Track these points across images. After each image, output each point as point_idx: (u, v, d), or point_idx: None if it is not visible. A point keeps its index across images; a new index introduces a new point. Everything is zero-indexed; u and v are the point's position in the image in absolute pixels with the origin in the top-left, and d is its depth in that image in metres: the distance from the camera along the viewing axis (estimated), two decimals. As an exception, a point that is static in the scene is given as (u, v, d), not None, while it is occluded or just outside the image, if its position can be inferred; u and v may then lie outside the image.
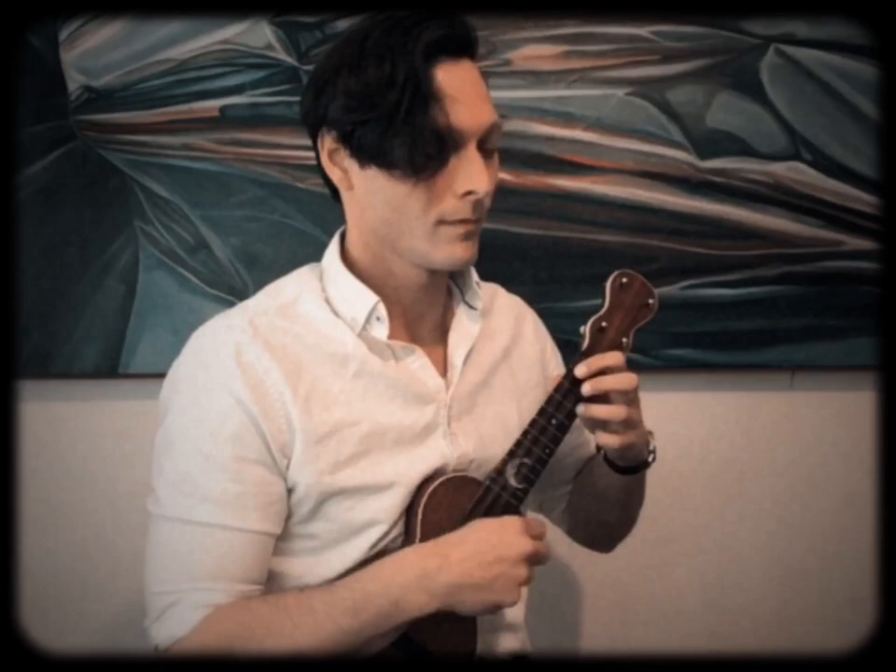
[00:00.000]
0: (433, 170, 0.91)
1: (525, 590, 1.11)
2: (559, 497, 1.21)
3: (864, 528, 1.52)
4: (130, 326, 1.39)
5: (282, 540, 0.97)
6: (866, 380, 1.48)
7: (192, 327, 0.99)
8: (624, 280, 1.02)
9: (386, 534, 0.98)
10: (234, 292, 1.39)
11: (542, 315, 1.21)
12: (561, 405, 0.99)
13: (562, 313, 1.38)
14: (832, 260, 1.47)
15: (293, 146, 1.37)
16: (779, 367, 1.50)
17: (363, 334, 0.98)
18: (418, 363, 1.01)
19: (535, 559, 0.93)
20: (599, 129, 1.41)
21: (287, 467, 0.94)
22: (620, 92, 1.41)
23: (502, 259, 1.41)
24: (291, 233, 1.39)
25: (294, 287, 1.02)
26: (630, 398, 0.99)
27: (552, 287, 1.43)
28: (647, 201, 1.43)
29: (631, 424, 0.99)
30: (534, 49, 1.39)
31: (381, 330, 0.98)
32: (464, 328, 1.06)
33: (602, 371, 0.98)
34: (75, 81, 1.35)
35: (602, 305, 1.02)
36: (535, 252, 1.43)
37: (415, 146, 0.89)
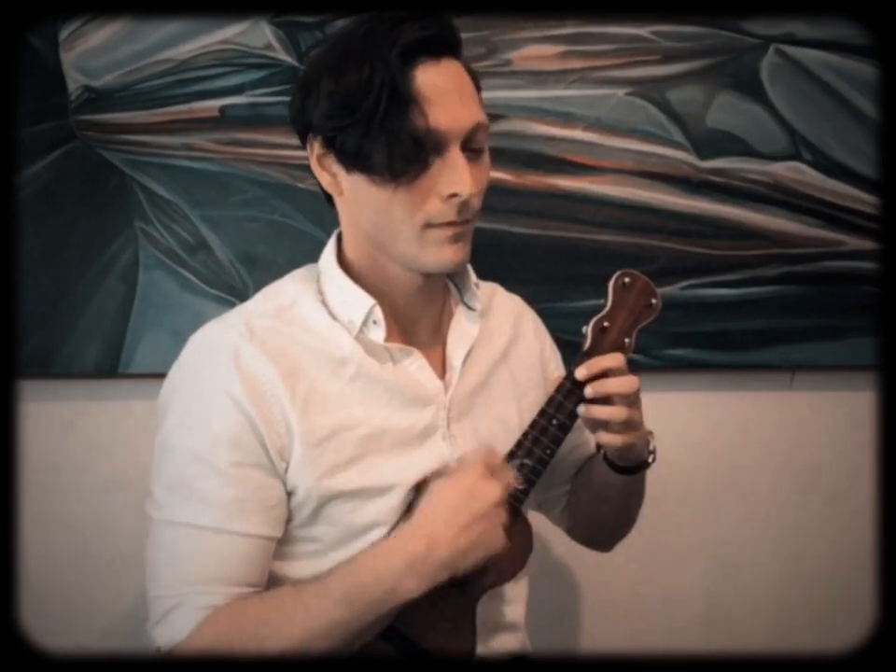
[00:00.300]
0: (414, 174, 0.90)
1: (525, 590, 1.12)
2: (559, 497, 1.21)
3: (864, 528, 1.51)
4: (130, 326, 1.39)
5: (284, 544, 0.97)
6: (866, 380, 1.48)
7: (192, 327, 0.99)
8: (627, 280, 1.02)
9: (388, 535, 0.97)
10: (234, 292, 1.39)
11: (542, 314, 1.21)
12: (562, 406, 0.99)
13: (562, 313, 1.38)
14: (832, 260, 1.47)
15: (293, 146, 1.34)
16: (779, 367, 1.50)
17: (360, 337, 0.98)
18: (416, 365, 1.01)
19: (507, 496, 0.91)
20: (599, 129, 1.41)
21: (286, 470, 0.94)
22: (620, 92, 1.41)
23: (502, 259, 1.41)
24: (291, 233, 1.39)
25: (291, 290, 1.01)
26: (631, 399, 0.99)
27: (552, 286, 1.43)
28: (647, 201, 1.43)
29: (632, 425, 0.99)
30: (534, 48, 1.38)
31: (378, 333, 0.97)
32: (462, 329, 1.06)
33: (602, 374, 0.98)
34: (75, 81, 1.35)
35: (604, 305, 1.01)
36: (535, 252, 1.42)
37: (394, 150, 0.88)
